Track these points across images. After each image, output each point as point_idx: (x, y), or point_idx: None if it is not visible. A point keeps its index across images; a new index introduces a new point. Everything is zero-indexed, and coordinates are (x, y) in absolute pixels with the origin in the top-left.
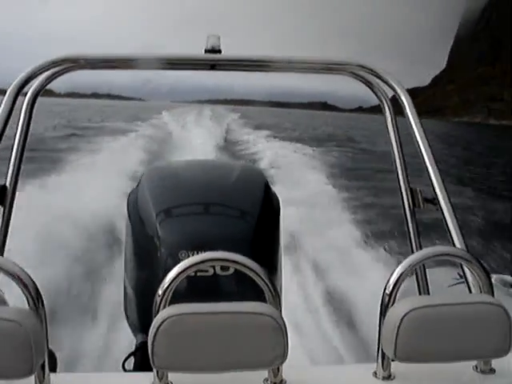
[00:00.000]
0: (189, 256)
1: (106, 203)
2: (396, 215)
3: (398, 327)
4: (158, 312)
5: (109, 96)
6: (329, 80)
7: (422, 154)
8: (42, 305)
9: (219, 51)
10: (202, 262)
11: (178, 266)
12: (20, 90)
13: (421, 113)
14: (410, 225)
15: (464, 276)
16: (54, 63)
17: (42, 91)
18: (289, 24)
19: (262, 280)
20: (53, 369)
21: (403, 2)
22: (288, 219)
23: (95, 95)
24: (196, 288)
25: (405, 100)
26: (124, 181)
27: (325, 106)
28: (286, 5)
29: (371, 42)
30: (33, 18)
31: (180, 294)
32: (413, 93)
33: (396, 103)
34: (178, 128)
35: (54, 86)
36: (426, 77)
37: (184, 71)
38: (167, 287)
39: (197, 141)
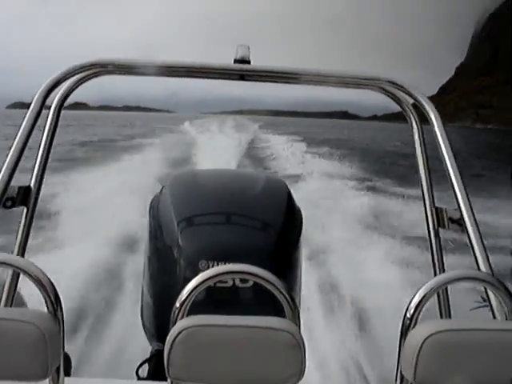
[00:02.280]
0: (208, 266)
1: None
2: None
3: (419, 350)
4: (175, 322)
5: (139, 108)
6: (350, 90)
7: (449, 172)
8: (61, 308)
9: (248, 62)
10: (221, 274)
11: (197, 277)
12: (48, 94)
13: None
14: (433, 245)
15: (488, 300)
16: (83, 68)
17: (69, 96)
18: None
19: (282, 294)
20: (67, 372)
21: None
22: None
23: (126, 108)
24: (215, 298)
25: (432, 115)
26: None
27: (346, 114)
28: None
29: (394, 55)
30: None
31: (198, 304)
32: None
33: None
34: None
35: (87, 99)
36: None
37: (212, 82)
38: (185, 298)
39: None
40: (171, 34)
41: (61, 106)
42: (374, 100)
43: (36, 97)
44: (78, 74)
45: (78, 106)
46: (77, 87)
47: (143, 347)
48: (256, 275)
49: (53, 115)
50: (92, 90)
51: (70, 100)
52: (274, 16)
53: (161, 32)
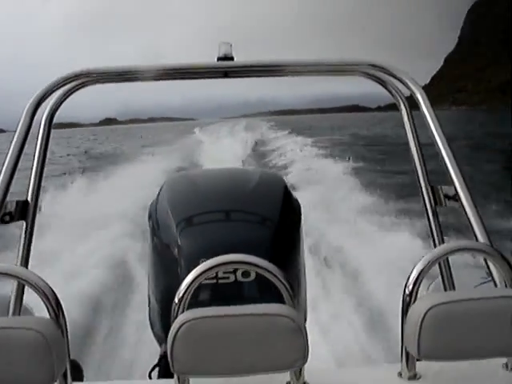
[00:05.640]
0: None
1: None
2: None
3: (421, 324)
4: (176, 318)
5: (163, 119)
6: (361, 84)
7: (440, 151)
8: (63, 314)
9: (231, 58)
10: (218, 265)
11: (194, 270)
12: (37, 108)
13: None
14: (432, 223)
15: (489, 272)
16: (69, 78)
17: (59, 108)
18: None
19: (279, 281)
20: (79, 379)
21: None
22: None
23: (152, 119)
24: (217, 295)
25: (420, 97)
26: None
27: (357, 107)
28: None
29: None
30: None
31: (201, 302)
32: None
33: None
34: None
35: (117, 115)
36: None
37: (231, 89)
38: (184, 292)
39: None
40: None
41: (51, 119)
42: (378, 89)
43: (24, 112)
44: (64, 85)
45: (110, 121)
46: (65, 99)
47: (156, 351)
48: (252, 264)
49: (44, 129)
50: (121, 106)
51: (102, 115)
52: (283, 17)
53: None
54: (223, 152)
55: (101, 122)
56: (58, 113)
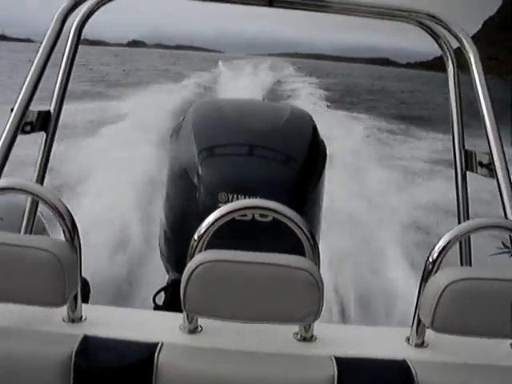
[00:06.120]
0: (228, 198)
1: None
2: None
3: (439, 297)
4: (193, 256)
5: (191, 48)
6: (394, 37)
7: (484, 116)
8: (78, 237)
9: None
10: (240, 209)
11: (215, 212)
12: (67, 16)
13: None
14: (459, 190)
15: None
16: None
17: (89, 18)
18: None
19: (303, 232)
20: (85, 298)
21: None
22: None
23: (179, 47)
24: (233, 232)
25: (472, 55)
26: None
27: (387, 61)
28: None
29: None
30: None
31: (217, 236)
32: None
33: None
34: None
35: (143, 38)
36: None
37: (264, 25)
38: (204, 232)
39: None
40: None
41: (81, 29)
42: (414, 47)
43: (54, 19)
44: None
45: (137, 43)
46: (96, 10)
47: (162, 274)
48: (276, 211)
49: (72, 39)
50: (149, 30)
51: (129, 38)
52: None
53: None
54: (240, 86)
55: (128, 44)
56: (86, 26)
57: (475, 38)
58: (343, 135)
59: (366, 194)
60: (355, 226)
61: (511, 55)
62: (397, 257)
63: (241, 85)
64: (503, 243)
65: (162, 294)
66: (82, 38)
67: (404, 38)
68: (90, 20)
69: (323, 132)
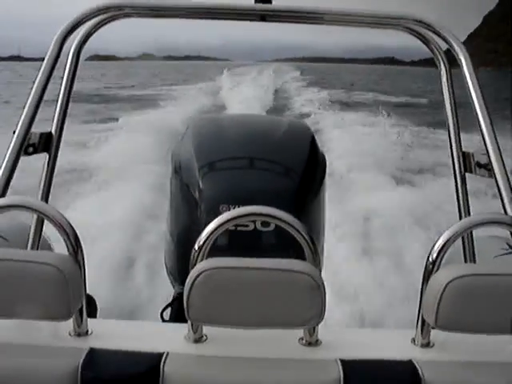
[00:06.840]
0: (229, 210)
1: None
2: None
3: (442, 295)
4: (195, 264)
5: (199, 57)
6: (398, 36)
7: (478, 116)
8: (81, 251)
9: (270, 1)
10: (240, 216)
11: (216, 220)
12: (66, 38)
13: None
14: (459, 190)
15: None
16: (99, 10)
17: (87, 40)
18: None
19: (302, 237)
20: (93, 315)
21: None
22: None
23: (188, 57)
24: (235, 242)
25: (462, 57)
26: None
27: (392, 60)
28: None
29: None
30: None
31: (219, 248)
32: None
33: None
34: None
35: (153, 51)
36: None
37: (268, 31)
38: (205, 240)
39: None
40: None
41: (79, 51)
42: (414, 43)
43: (53, 42)
44: (94, 17)
45: (146, 56)
46: (95, 31)
47: (168, 291)
48: (276, 217)
49: (71, 61)
50: (158, 43)
51: (139, 51)
52: None
53: None
54: (243, 93)
55: (139, 57)
56: (87, 45)
57: (475, 34)
58: None
59: None
60: None
61: (510, 47)
62: None
63: (245, 90)
64: (508, 244)
65: (169, 309)
66: (93, 54)
67: (408, 36)
68: (101, 36)
69: None
